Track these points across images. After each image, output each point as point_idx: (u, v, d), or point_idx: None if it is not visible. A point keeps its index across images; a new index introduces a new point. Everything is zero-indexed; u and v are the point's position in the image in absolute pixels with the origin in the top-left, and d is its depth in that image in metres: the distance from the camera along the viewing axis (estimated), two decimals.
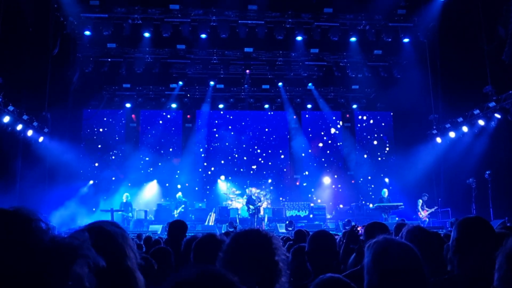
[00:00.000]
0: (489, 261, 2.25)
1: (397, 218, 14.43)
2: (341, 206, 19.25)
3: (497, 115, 14.08)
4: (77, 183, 18.13)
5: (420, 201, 16.30)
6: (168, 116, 21.08)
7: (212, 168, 20.45)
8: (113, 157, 19.88)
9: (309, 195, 20.20)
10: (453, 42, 16.03)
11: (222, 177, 20.03)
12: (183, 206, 16.29)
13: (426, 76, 17.41)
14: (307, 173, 20.80)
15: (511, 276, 1.47)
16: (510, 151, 13.57)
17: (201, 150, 20.59)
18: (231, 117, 21.38)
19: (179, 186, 16.98)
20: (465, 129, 15.89)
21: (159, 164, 19.99)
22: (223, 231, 13.73)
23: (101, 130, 20.33)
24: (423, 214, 16.07)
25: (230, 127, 21.07)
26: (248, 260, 1.72)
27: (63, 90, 17.36)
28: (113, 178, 19.51)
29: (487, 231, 2.38)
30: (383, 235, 1.96)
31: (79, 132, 19.39)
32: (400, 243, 1.90)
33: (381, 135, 21.46)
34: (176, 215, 16.18)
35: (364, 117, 21.68)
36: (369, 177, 20.58)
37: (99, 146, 19.90)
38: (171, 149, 20.41)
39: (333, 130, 21.42)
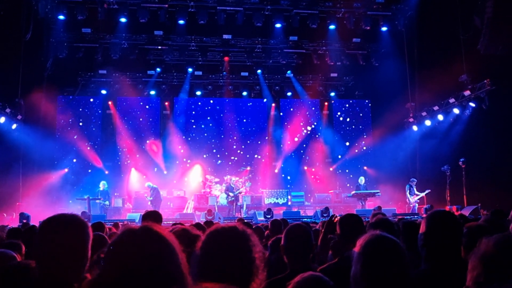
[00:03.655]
0: (456, 257, 2.28)
1: (373, 209, 14.52)
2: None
3: (472, 104, 14.36)
4: (51, 172, 17.78)
5: (408, 186, 16.09)
6: (147, 106, 20.66)
7: (189, 161, 20.24)
8: (88, 148, 19.43)
9: (288, 185, 20.26)
10: (430, 31, 16.21)
11: (201, 166, 19.90)
12: (150, 196, 16.17)
13: (403, 64, 17.61)
14: (284, 162, 20.80)
15: (485, 278, 1.48)
16: (483, 139, 13.87)
17: (179, 140, 20.21)
18: (209, 108, 21.09)
19: (153, 184, 16.63)
20: (440, 117, 16.16)
21: (137, 156, 19.66)
22: (202, 219, 13.74)
23: (78, 122, 19.61)
24: (411, 199, 15.97)
25: (208, 117, 20.73)
26: (224, 258, 1.70)
27: (37, 76, 16.93)
28: (89, 171, 19.10)
29: (454, 226, 2.41)
30: (370, 232, 1.98)
31: (53, 119, 18.92)
32: (388, 240, 1.92)
33: (360, 126, 21.57)
34: (149, 204, 16.05)
35: (343, 105, 21.76)
36: (347, 165, 20.73)
37: (75, 137, 19.29)
38: (148, 141, 19.96)
39: (310, 125, 21.41)
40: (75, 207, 16.69)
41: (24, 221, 11.84)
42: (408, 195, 16.05)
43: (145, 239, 1.53)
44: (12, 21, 14.67)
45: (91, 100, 20.19)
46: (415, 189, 16.07)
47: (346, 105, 21.78)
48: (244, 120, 21.22)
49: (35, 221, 12.57)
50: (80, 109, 19.96)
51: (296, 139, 21.14)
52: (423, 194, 15.85)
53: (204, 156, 20.28)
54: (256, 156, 20.76)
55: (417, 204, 15.92)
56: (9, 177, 14.88)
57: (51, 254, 1.98)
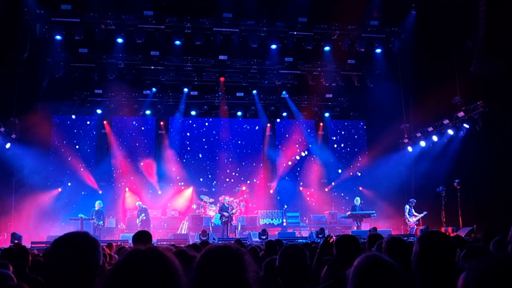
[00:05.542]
0: (451, 277, 2.25)
1: (369, 230, 14.42)
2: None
3: (466, 125, 14.47)
4: (45, 192, 17.59)
5: (407, 207, 15.88)
6: (142, 127, 20.47)
7: (183, 183, 20.14)
8: (82, 169, 19.26)
9: (283, 206, 20.10)
10: (424, 54, 16.43)
11: (195, 189, 19.78)
12: (143, 214, 16.07)
13: (398, 86, 17.77)
14: (279, 183, 20.69)
15: None
16: (478, 160, 13.91)
17: (174, 161, 20.09)
18: (204, 129, 21.07)
19: (143, 205, 16.52)
20: (435, 138, 16.24)
21: (132, 177, 19.52)
22: (196, 240, 13.60)
23: (73, 142, 19.43)
24: (411, 220, 15.72)
25: (204, 139, 20.72)
26: (218, 278, 1.67)
27: (32, 95, 16.95)
28: (83, 193, 18.82)
29: (446, 246, 2.38)
30: (365, 253, 1.94)
31: (48, 139, 18.81)
32: (384, 262, 1.88)
33: (355, 149, 21.51)
34: (138, 223, 15.90)
35: (337, 126, 21.78)
36: (342, 186, 20.66)
37: (69, 158, 19.09)
38: (142, 163, 19.77)
39: (305, 146, 21.38)
40: (67, 227, 16.50)
41: (16, 241, 11.65)
42: (407, 216, 15.82)
43: (151, 262, 1.52)
44: (8, 40, 14.76)
45: (88, 122, 20.06)
46: (413, 210, 15.90)
47: (342, 130, 21.71)
48: (239, 142, 21.12)
49: (27, 242, 12.40)
50: (75, 130, 19.82)
51: (290, 162, 21.03)
52: (421, 216, 15.66)
53: (201, 179, 20.16)
54: (251, 179, 20.51)
55: (415, 226, 15.70)
56: (1, 196, 14.72)
57: (65, 271, 1.99)
